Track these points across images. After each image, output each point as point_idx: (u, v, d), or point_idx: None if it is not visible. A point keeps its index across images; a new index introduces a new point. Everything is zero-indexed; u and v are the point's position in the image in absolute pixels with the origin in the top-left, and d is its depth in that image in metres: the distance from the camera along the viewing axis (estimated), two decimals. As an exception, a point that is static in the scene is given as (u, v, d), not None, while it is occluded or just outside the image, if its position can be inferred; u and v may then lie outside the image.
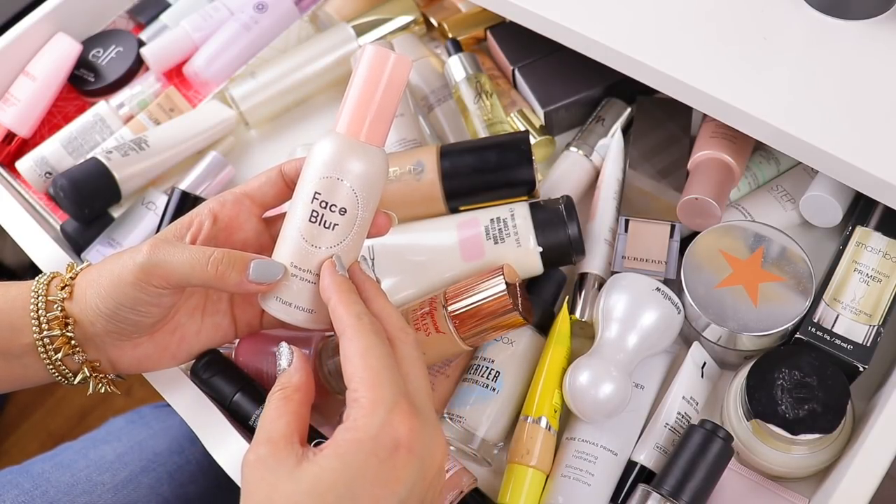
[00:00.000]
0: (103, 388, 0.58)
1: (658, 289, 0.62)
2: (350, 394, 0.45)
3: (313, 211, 0.51)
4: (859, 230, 0.63)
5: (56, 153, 0.80)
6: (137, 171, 0.77)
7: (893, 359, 0.63)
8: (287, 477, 0.43)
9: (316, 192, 0.51)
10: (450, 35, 0.82)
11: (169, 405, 0.61)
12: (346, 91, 0.52)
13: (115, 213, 0.78)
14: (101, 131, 0.81)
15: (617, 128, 0.75)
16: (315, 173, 0.51)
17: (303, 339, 0.63)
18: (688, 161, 0.70)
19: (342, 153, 0.50)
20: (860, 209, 0.64)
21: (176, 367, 0.60)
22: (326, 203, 0.51)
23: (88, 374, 0.56)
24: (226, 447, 0.57)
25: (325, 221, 0.51)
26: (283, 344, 0.51)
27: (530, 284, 0.67)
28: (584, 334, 0.68)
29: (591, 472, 0.59)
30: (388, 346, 0.47)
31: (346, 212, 0.51)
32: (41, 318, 0.54)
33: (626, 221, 0.68)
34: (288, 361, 0.50)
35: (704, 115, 0.71)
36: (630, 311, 0.61)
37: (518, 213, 0.64)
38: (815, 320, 0.60)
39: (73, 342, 0.54)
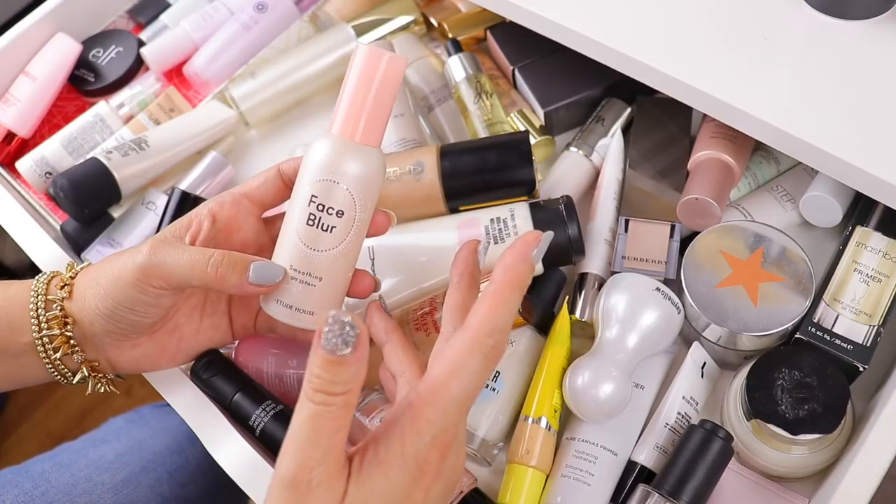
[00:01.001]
0: (102, 387, 0.58)
1: (658, 289, 0.62)
2: (411, 390, 0.43)
3: (310, 214, 0.51)
4: (859, 230, 0.63)
5: (56, 153, 0.80)
6: (137, 171, 0.77)
7: (893, 359, 0.63)
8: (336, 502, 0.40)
9: (312, 195, 0.50)
10: (450, 35, 0.82)
11: (169, 405, 0.61)
12: (339, 92, 0.51)
13: (115, 213, 0.78)
14: (101, 131, 0.81)
15: (617, 128, 0.75)
16: (311, 176, 0.51)
17: (301, 340, 0.62)
18: (688, 161, 0.70)
19: (337, 155, 0.50)
20: (860, 209, 0.64)
21: (175, 367, 0.60)
22: (323, 206, 0.50)
23: (87, 374, 0.56)
24: (226, 447, 0.57)
25: (323, 224, 0.50)
26: (338, 314, 0.38)
27: (530, 284, 0.67)
28: (584, 334, 0.68)
29: (591, 472, 0.59)
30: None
31: (343, 214, 0.50)
32: (40, 318, 0.54)
33: (626, 221, 0.68)
34: (351, 343, 0.38)
35: (704, 115, 0.71)
36: (630, 311, 0.61)
37: (518, 213, 0.64)
38: (815, 320, 0.60)
39: (71, 341, 0.54)
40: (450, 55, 0.79)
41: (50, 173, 0.79)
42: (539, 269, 0.65)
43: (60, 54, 0.84)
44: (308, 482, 0.39)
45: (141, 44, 0.87)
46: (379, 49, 0.50)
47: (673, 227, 0.67)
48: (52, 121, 0.85)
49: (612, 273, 0.66)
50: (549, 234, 0.46)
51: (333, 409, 0.39)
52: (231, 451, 0.57)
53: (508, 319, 0.43)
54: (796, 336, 0.60)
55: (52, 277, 0.56)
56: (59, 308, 0.54)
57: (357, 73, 0.50)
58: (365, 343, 0.39)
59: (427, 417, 0.42)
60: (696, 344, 0.64)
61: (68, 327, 0.54)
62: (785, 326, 0.59)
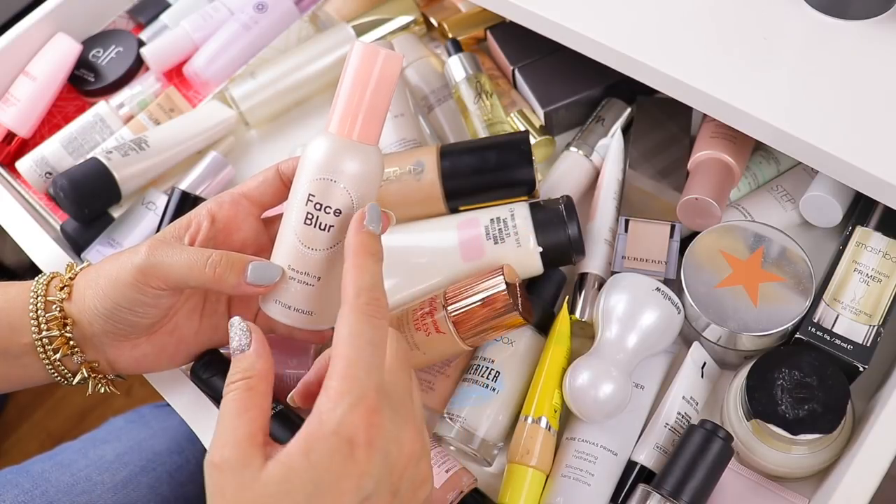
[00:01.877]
0: (102, 388, 0.58)
1: (658, 289, 0.62)
2: (325, 378, 0.44)
3: (308, 213, 0.50)
4: (859, 230, 0.63)
5: (56, 153, 0.80)
6: (137, 171, 0.77)
7: (893, 359, 0.63)
8: (253, 480, 0.41)
9: (310, 194, 0.50)
10: (450, 35, 0.82)
11: (169, 405, 0.61)
12: (336, 90, 0.51)
13: (115, 213, 0.78)
14: (101, 131, 0.81)
15: (617, 128, 0.75)
16: (308, 175, 0.51)
17: (301, 340, 0.62)
18: (688, 161, 0.70)
19: (334, 154, 0.50)
20: (860, 209, 0.64)
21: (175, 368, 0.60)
22: (321, 205, 0.50)
23: (87, 375, 0.56)
24: (225, 447, 0.57)
25: (320, 223, 0.50)
26: (237, 320, 0.47)
27: (530, 284, 0.67)
28: (584, 334, 0.68)
29: (591, 472, 0.59)
30: (378, 332, 0.44)
31: (340, 213, 0.50)
32: (40, 319, 0.54)
33: (626, 221, 0.68)
34: (246, 342, 0.46)
35: (704, 115, 0.71)
36: (630, 311, 0.61)
37: (518, 213, 0.64)
38: (815, 320, 0.60)
39: (71, 342, 0.54)
40: (450, 55, 0.79)
41: (50, 173, 0.79)
42: (539, 269, 0.65)
43: (60, 54, 0.84)
44: (222, 460, 0.42)
45: (141, 44, 0.87)
46: (375, 46, 0.50)
47: (673, 227, 0.67)
48: (52, 121, 0.85)
49: (612, 273, 0.66)
50: (371, 205, 0.49)
51: (238, 392, 0.44)
52: (231, 452, 0.57)
53: (370, 280, 0.46)
54: (796, 336, 0.60)
55: (52, 278, 0.56)
56: (58, 309, 0.54)
57: (353, 70, 0.50)
58: (259, 338, 0.46)
59: (336, 389, 0.42)
60: (696, 344, 0.64)
61: (68, 328, 0.54)
62: (785, 326, 0.59)
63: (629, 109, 0.75)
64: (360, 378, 0.42)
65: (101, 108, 0.82)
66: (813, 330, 0.59)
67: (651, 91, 0.65)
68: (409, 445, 0.44)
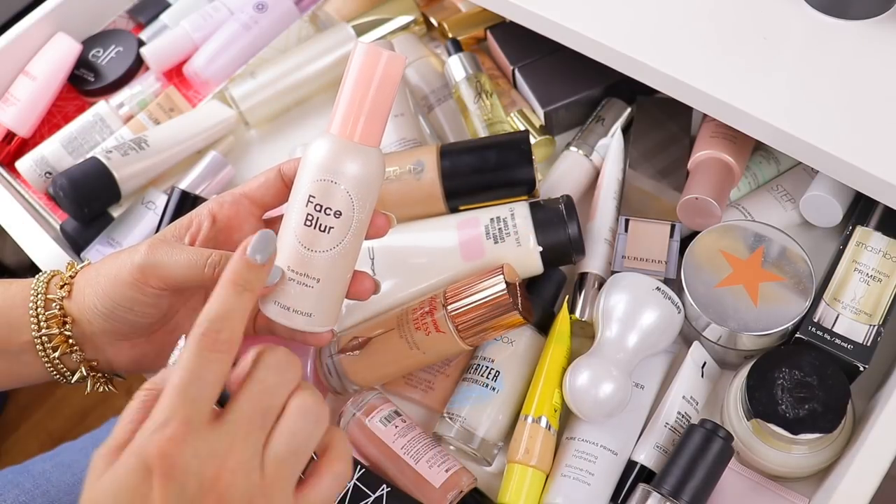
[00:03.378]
0: (101, 387, 0.58)
1: (658, 288, 0.62)
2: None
3: (308, 214, 0.50)
4: (859, 230, 0.63)
5: (56, 153, 0.80)
6: (137, 171, 0.77)
7: (893, 359, 0.63)
8: (88, 488, 0.40)
9: (310, 196, 0.50)
10: (450, 35, 0.82)
11: (169, 405, 0.61)
12: (338, 91, 0.51)
13: (115, 212, 0.78)
14: (100, 131, 0.81)
15: (617, 128, 0.75)
16: (309, 176, 0.50)
17: (300, 341, 0.62)
18: (688, 161, 0.70)
19: (335, 155, 0.50)
20: (860, 209, 0.64)
21: (175, 367, 0.60)
22: (321, 206, 0.50)
23: (86, 374, 0.56)
24: (226, 447, 0.57)
25: (321, 225, 0.50)
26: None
27: (530, 284, 0.67)
28: (584, 334, 0.68)
29: (591, 472, 0.59)
30: (210, 365, 0.41)
31: (341, 214, 0.50)
32: (40, 316, 0.54)
33: (626, 221, 0.68)
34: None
35: (704, 115, 0.71)
36: (630, 311, 0.61)
37: (518, 213, 0.64)
38: (816, 320, 0.60)
39: (70, 341, 0.54)
40: (450, 55, 0.79)
41: (50, 173, 0.79)
42: (539, 268, 0.65)
43: (60, 54, 0.84)
44: (96, 456, 0.41)
45: (141, 43, 0.87)
46: (378, 48, 0.50)
47: (673, 227, 0.67)
48: (51, 120, 0.85)
49: (612, 273, 0.66)
50: (261, 232, 0.46)
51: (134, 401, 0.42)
52: (231, 451, 0.57)
53: (217, 310, 0.42)
54: (796, 336, 0.60)
55: (52, 276, 0.56)
56: (58, 307, 0.54)
57: (356, 72, 0.50)
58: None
59: (153, 412, 0.40)
60: (696, 343, 0.64)
61: (67, 326, 0.54)
62: (785, 326, 0.59)
63: (629, 109, 0.75)
64: (172, 406, 0.39)
65: (101, 107, 0.82)
66: (813, 329, 0.59)
67: (651, 91, 0.65)
68: (212, 472, 0.40)
